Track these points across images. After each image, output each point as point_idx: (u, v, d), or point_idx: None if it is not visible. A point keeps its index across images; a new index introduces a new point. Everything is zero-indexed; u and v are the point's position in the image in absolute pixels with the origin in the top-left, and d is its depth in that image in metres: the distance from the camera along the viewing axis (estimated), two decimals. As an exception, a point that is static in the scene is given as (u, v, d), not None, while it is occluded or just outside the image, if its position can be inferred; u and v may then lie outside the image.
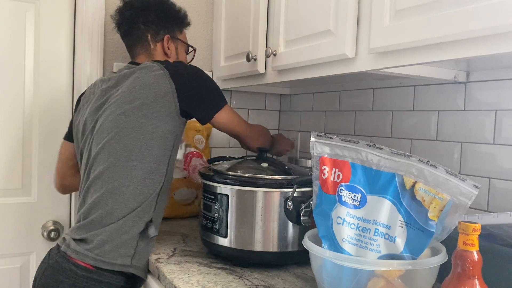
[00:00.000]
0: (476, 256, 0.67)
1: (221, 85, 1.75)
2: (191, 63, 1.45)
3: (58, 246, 1.17)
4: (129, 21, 1.36)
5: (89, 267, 1.09)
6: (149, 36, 1.35)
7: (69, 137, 1.38)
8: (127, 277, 1.14)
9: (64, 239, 1.17)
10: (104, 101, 1.23)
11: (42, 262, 1.19)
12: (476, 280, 0.67)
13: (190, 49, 1.49)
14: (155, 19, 1.36)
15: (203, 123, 1.24)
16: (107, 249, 1.10)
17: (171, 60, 1.36)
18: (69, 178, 1.41)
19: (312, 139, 0.87)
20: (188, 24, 1.48)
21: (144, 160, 1.14)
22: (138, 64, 1.26)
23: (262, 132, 1.43)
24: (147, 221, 1.15)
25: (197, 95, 1.20)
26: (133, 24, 1.35)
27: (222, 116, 1.24)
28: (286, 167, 1.13)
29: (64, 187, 1.44)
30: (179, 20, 1.43)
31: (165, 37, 1.37)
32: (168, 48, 1.38)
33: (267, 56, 1.34)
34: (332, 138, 0.86)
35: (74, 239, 1.13)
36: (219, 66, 1.73)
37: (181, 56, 1.44)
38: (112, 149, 1.15)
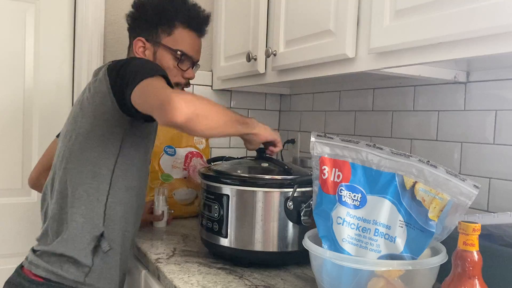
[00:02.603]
0: (476, 256, 0.67)
1: (221, 85, 1.76)
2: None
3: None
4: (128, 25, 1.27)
5: (39, 279, 1.03)
6: (131, 38, 1.24)
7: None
8: None
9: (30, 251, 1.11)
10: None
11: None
12: (476, 280, 0.67)
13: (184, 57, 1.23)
14: (134, 21, 1.22)
15: (127, 111, 1.00)
16: (64, 259, 1.02)
17: None
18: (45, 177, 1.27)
19: (312, 139, 0.87)
20: (181, 24, 1.21)
21: (81, 162, 1.04)
22: None
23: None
24: (97, 235, 1.03)
25: (122, 77, 0.98)
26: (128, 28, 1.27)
27: (135, 91, 0.93)
28: (286, 167, 1.13)
29: (37, 183, 1.34)
30: (163, 21, 1.19)
31: (134, 41, 1.20)
32: (137, 52, 1.19)
33: (267, 56, 1.34)
34: (332, 138, 0.86)
35: (36, 248, 1.08)
36: (219, 66, 1.73)
37: (164, 63, 1.19)
38: (62, 151, 1.09)
